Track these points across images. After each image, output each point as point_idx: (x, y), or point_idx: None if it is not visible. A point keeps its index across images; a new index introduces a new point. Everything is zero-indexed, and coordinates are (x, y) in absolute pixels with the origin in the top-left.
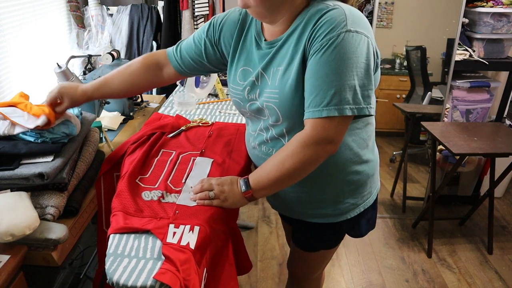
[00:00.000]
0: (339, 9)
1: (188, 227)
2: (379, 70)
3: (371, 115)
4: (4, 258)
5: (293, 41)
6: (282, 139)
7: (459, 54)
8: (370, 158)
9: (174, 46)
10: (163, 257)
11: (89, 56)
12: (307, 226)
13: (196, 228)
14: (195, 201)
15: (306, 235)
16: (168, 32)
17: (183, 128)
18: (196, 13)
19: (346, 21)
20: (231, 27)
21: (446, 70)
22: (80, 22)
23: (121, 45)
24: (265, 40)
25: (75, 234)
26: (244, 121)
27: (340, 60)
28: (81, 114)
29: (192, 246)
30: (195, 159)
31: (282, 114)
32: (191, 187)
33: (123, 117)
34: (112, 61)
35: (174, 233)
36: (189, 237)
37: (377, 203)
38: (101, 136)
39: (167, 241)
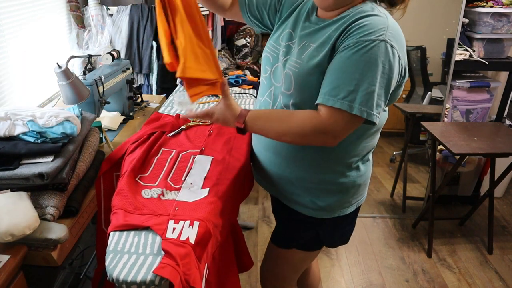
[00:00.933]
0: (384, 19)
1: (187, 222)
2: (401, 89)
3: (375, 123)
4: (4, 258)
5: (334, 28)
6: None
7: (459, 54)
8: (361, 168)
9: None
10: (163, 252)
11: (89, 56)
12: (286, 219)
13: (196, 223)
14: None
15: (283, 227)
16: None
17: (183, 127)
18: None
19: (386, 31)
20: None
21: (446, 70)
22: (80, 22)
23: (121, 45)
24: (316, 15)
25: (75, 234)
26: None
27: (369, 63)
28: (81, 114)
29: (192, 240)
30: (195, 157)
31: (295, 84)
32: (191, 183)
33: (123, 117)
34: (112, 61)
35: (174, 228)
36: (189, 232)
37: (355, 220)
38: (101, 136)
39: (167, 236)
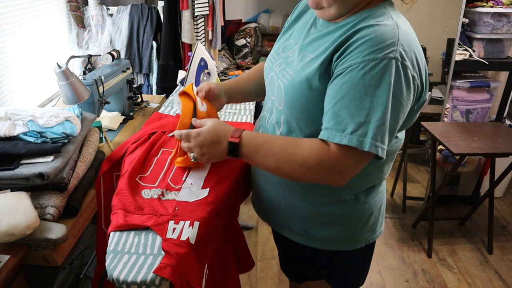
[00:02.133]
0: (393, 29)
1: (188, 222)
2: (417, 113)
3: (382, 158)
4: (4, 258)
5: (335, 37)
6: (277, 128)
7: (459, 54)
8: (363, 200)
9: None
10: (163, 253)
11: (89, 56)
12: (283, 246)
13: (196, 224)
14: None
15: (284, 256)
16: (168, 32)
17: None
18: (196, 13)
19: (397, 46)
20: (303, 4)
21: (446, 70)
22: (80, 22)
23: (121, 45)
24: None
25: (75, 234)
26: (243, 120)
27: (379, 88)
28: (81, 114)
29: (192, 241)
30: None
31: (285, 99)
32: (191, 183)
33: (123, 117)
34: (112, 61)
35: (174, 229)
36: (189, 232)
37: (369, 260)
38: (101, 136)
39: (167, 236)
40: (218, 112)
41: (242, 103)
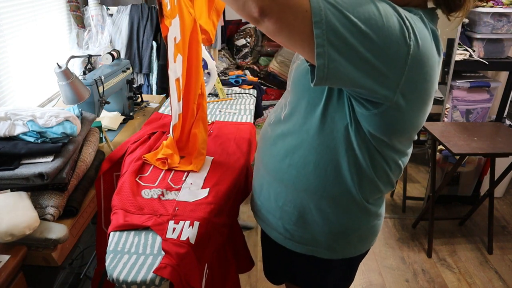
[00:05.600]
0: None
1: (188, 222)
2: (428, 105)
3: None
4: (4, 258)
5: None
6: (284, 109)
7: (459, 54)
8: (364, 209)
9: None
10: (163, 253)
11: (89, 56)
12: (263, 242)
13: (196, 224)
14: None
15: (264, 255)
16: None
17: None
18: None
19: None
20: None
21: (446, 70)
22: (80, 22)
23: (121, 45)
24: None
25: (75, 234)
26: (243, 120)
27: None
28: (81, 114)
29: (192, 241)
30: None
31: (292, 82)
32: (191, 183)
33: (123, 117)
34: (112, 61)
35: (174, 229)
36: (189, 232)
37: (347, 277)
38: (101, 136)
39: (167, 236)
40: (219, 111)
41: (242, 103)
